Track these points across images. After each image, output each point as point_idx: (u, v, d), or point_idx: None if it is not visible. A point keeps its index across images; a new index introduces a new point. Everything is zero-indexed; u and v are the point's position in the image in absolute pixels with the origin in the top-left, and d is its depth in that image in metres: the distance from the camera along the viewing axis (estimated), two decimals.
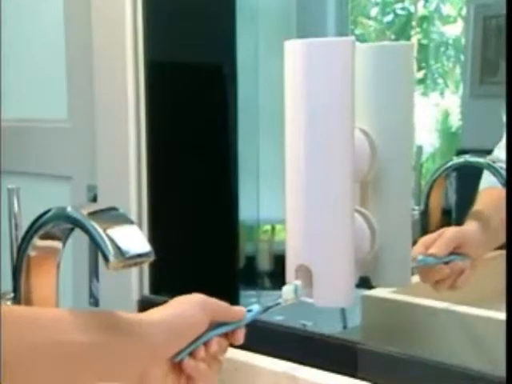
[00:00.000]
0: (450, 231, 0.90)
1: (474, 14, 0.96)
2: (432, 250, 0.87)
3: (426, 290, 0.89)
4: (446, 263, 0.87)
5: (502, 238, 0.75)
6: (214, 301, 0.73)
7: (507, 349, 0.59)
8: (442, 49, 1.03)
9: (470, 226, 0.90)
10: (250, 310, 0.75)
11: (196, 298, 0.72)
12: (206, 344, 0.71)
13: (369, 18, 1.08)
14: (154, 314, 0.69)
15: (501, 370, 0.61)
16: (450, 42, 1.02)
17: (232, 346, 0.74)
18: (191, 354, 0.70)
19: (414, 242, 0.87)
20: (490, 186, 0.91)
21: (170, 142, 1.12)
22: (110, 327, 0.65)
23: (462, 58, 1.00)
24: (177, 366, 0.70)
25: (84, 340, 0.62)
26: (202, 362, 0.70)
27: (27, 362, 0.59)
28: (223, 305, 0.73)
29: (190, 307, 0.70)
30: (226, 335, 0.73)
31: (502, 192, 0.80)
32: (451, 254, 0.88)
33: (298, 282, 0.78)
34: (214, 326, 0.72)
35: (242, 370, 0.79)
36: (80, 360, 0.63)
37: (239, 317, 0.74)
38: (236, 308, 0.74)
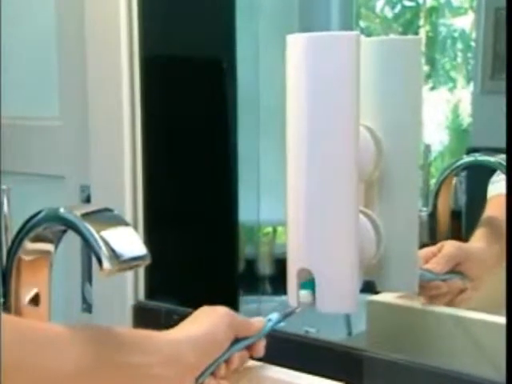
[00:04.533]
0: (451, 247, 0.89)
1: (485, 4, 0.96)
2: (429, 265, 0.86)
3: None
4: (444, 280, 0.87)
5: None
6: (236, 316, 0.74)
7: (507, 353, 0.60)
8: (452, 42, 1.03)
9: (475, 243, 0.90)
10: (269, 320, 0.78)
11: (222, 313, 0.72)
12: (227, 361, 0.72)
13: (375, 9, 1.09)
14: (181, 331, 0.70)
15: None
16: (460, 34, 1.02)
17: (252, 358, 0.76)
18: (212, 373, 0.71)
19: (422, 246, 0.87)
20: (498, 193, 0.90)
21: (166, 140, 1.13)
22: (136, 347, 0.65)
23: (473, 51, 1.00)
24: None
25: (119, 360, 0.63)
26: (222, 380, 0.72)
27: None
28: (245, 320, 0.75)
29: (216, 323, 0.71)
30: (246, 347, 0.75)
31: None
32: (450, 271, 0.87)
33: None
34: (235, 340, 0.73)
35: (244, 379, 0.80)
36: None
37: (260, 330, 0.76)
38: (256, 321, 0.76)
